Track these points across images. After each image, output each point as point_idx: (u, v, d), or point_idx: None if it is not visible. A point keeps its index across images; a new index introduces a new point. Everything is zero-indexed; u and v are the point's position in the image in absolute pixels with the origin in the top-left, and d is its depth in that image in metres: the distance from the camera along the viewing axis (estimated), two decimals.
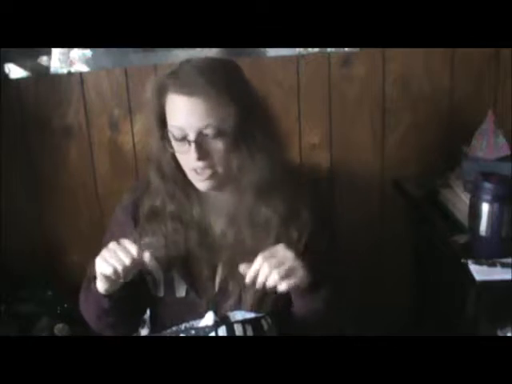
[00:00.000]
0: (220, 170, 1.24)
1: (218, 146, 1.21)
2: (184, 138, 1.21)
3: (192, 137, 1.20)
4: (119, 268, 1.15)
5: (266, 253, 1.17)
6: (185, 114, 1.20)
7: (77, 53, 1.70)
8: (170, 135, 1.23)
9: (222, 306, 1.27)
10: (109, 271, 1.16)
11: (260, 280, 1.16)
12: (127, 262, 1.15)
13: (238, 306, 1.26)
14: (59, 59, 1.70)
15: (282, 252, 1.17)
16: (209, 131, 1.20)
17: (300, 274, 1.17)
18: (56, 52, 1.69)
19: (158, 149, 1.27)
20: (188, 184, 1.28)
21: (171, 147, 1.24)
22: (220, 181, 1.26)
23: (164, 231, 1.29)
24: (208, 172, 1.23)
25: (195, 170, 1.23)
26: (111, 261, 1.16)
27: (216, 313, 1.20)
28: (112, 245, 1.18)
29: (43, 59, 1.70)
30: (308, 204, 1.29)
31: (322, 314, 1.26)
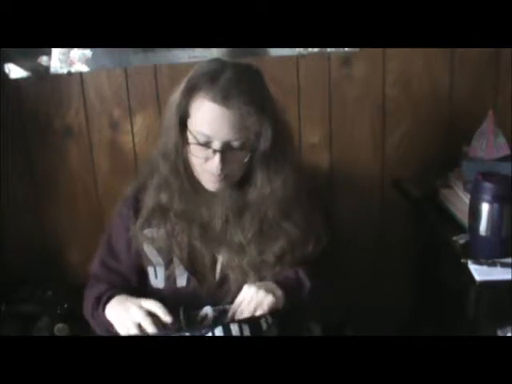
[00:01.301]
0: (234, 174, 1.24)
1: (241, 156, 1.22)
2: (207, 144, 1.20)
3: (218, 146, 1.19)
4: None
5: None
6: (216, 123, 1.18)
7: (77, 53, 1.70)
8: (191, 137, 1.22)
9: (222, 296, 1.28)
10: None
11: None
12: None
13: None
14: (59, 59, 1.70)
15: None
16: (236, 143, 1.20)
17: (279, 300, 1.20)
18: (56, 52, 1.69)
19: (174, 146, 1.25)
20: (197, 181, 1.28)
21: (189, 148, 1.23)
22: (231, 182, 1.26)
23: (168, 225, 1.29)
24: (222, 176, 1.23)
25: (209, 173, 1.23)
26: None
27: (213, 307, 1.20)
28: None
29: (43, 59, 1.70)
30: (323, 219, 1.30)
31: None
